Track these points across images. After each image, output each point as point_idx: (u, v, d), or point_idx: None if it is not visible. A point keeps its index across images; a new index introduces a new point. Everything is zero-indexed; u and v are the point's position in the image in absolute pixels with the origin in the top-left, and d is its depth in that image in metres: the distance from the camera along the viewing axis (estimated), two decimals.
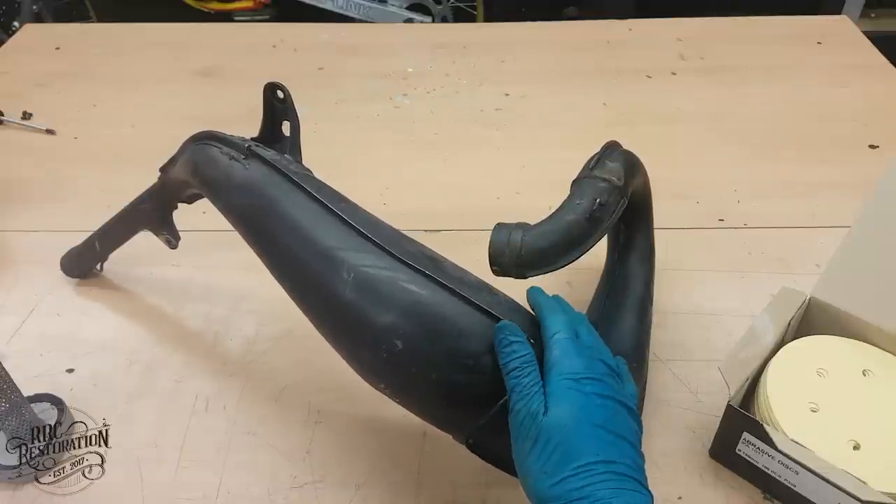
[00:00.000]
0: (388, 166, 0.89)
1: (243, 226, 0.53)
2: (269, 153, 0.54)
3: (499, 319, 0.44)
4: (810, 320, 0.60)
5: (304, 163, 0.58)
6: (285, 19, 1.98)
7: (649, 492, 0.38)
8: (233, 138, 0.56)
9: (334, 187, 0.54)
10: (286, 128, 0.59)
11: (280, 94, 0.57)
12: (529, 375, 0.41)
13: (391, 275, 0.46)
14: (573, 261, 0.51)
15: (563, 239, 0.50)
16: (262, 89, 0.58)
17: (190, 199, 0.64)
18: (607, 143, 0.59)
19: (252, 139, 0.58)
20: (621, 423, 0.40)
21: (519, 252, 0.49)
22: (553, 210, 0.52)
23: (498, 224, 0.51)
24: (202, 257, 0.75)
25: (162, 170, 0.63)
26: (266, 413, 0.61)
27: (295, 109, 0.58)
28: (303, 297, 0.50)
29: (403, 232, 0.50)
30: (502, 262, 0.50)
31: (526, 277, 0.50)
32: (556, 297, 0.48)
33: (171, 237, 0.66)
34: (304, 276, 0.49)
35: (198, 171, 0.57)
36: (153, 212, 0.65)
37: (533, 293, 0.48)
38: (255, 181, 0.53)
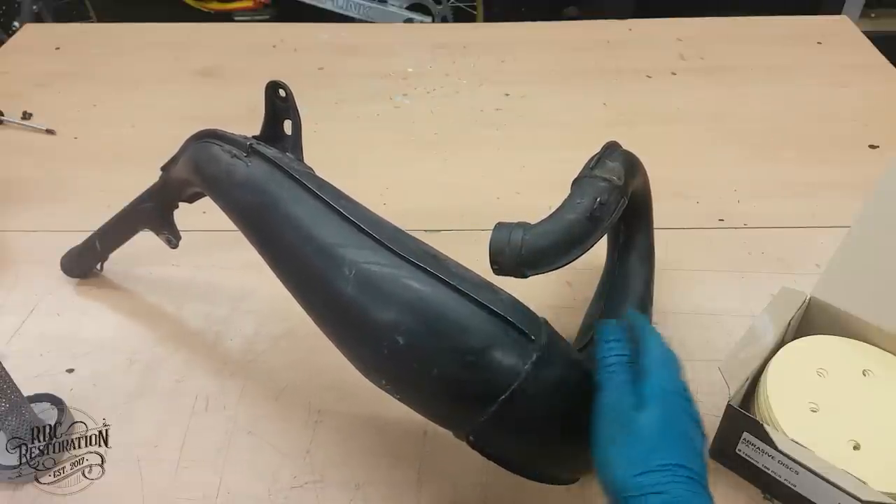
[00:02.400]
0: (388, 166, 0.89)
1: (245, 223, 0.54)
2: (270, 151, 0.55)
3: (500, 316, 0.44)
4: (810, 320, 0.60)
5: (304, 162, 0.58)
6: (285, 19, 1.98)
7: (712, 499, 0.40)
8: (234, 136, 0.56)
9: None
10: (287, 126, 0.59)
11: (282, 92, 0.58)
12: (625, 373, 0.44)
13: (393, 271, 0.46)
14: (574, 260, 0.51)
15: (564, 238, 0.49)
16: (261, 89, 0.59)
17: (191, 199, 0.64)
18: (607, 143, 0.59)
19: (254, 137, 0.58)
20: (698, 438, 0.42)
21: (519, 251, 0.49)
22: (553, 210, 0.52)
23: (498, 223, 0.51)
24: (202, 257, 0.75)
25: (163, 169, 0.63)
26: (266, 413, 0.61)
27: (297, 108, 0.58)
28: (304, 294, 0.50)
29: None
30: (503, 260, 0.50)
31: (526, 276, 0.50)
32: None
33: (172, 236, 0.66)
34: (306, 272, 0.49)
35: (199, 168, 0.57)
36: (154, 211, 0.65)
37: (634, 317, 0.50)
38: (256, 178, 0.53)
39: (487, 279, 0.48)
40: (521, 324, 0.44)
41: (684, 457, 0.40)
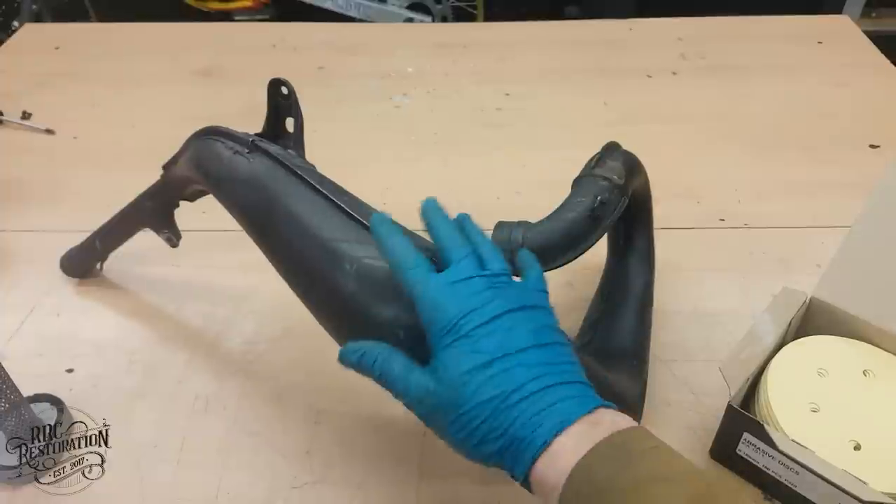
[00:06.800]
0: (388, 166, 0.89)
1: (246, 219, 0.54)
2: (273, 147, 0.55)
3: None
4: (810, 320, 0.60)
5: (306, 159, 0.58)
6: (285, 19, 1.98)
7: (573, 372, 0.36)
8: (236, 133, 0.56)
9: None
10: (290, 124, 0.59)
11: (284, 90, 0.57)
12: (394, 367, 0.39)
13: None
14: (574, 259, 0.51)
15: (564, 237, 0.50)
16: (261, 89, 0.58)
17: (192, 197, 0.64)
18: (607, 143, 0.59)
19: (256, 135, 0.58)
20: (515, 338, 0.37)
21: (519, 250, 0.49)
22: (554, 209, 0.52)
23: (499, 222, 0.51)
24: (202, 257, 0.75)
25: (165, 167, 0.63)
26: (266, 413, 0.61)
27: (299, 106, 0.58)
28: (305, 289, 0.50)
29: None
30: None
31: None
32: (426, 209, 0.45)
33: (173, 235, 0.66)
34: (307, 268, 0.49)
35: (201, 165, 0.57)
36: (155, 210, 0.65)
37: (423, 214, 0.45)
38: (258, 175, 0.53)
39: None
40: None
41: (494, 383, 0.35)
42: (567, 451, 0.33)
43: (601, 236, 0.52)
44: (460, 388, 0.35)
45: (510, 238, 0.49)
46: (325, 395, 0.62)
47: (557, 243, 0.49)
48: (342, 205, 0.49)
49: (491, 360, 0.36)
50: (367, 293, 0.45)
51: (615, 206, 0.52)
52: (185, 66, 1.10)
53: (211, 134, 0.57)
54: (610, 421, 0.34)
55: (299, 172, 0.52)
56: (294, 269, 0.51)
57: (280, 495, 0.55)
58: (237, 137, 0.56)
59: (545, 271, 0.50)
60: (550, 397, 0.35)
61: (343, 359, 0.42)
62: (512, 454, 0.34)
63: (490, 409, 0.34)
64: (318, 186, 0.51)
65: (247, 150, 0.54)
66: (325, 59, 1.11)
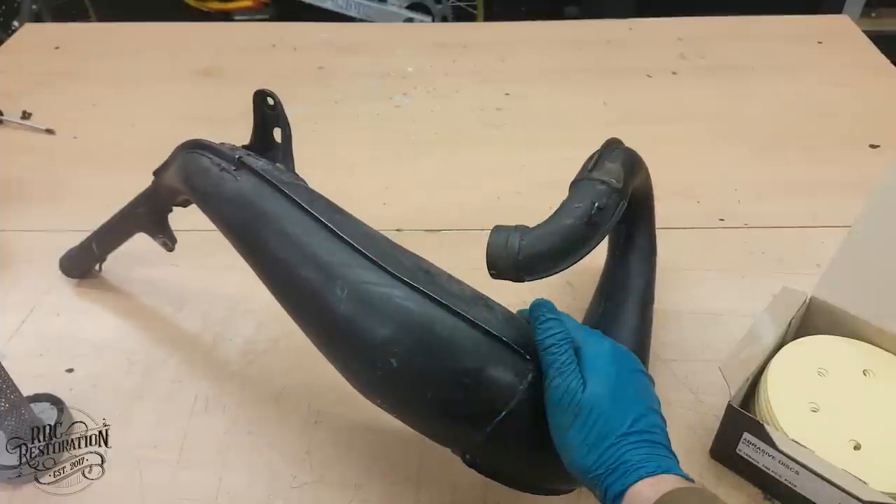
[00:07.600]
0: (388, 166, 0.89)
1: (235, 238, 0.53)
2: (259, 163, 0.54)
3: (494, 336, 0.44)
4: (810, 320, 0.60)
5: (302, 163, 0.58)
6: (285, 19, 1.98)
7: (674, 454, 0.41)
8: (223, 148, 0.55)
9: (334, 188, 0.53)
10: (278, 135, 0.58)
11: (270, 101, 0.56)
12: (566, 353, 0.43)
13: (386, 291, 0.45)
14: (572, 265, 0.50)
15: (562, 243, 0.48)
16: (261, 88, 0.58)
17: (184, 204, 0.63)
18: (608, 140, 0.58)
19: (243, 147, 0.57)
20: (649, 394, 0.44)
21: (516, 256, 0.48)
22: (553, 211, 0.51)
23: (496, 227, 0.50)
24: (201, 257, 0.75)
25: (155, 173, 0.62)
26: (266, 413, 0.61)
27: (286, 116, 0.56)
28: (297, 311, 0.50)
29: (404, 232, 0.49)
30: (500, 265, 0.49)
31: (524, 281, 0.49)
32: None
33: (168, 240, 0.66)
34: (298, 290, 0.48)
35: (188, 179, 0.56)
36: (148, 216, 0.65)
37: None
38: (245, 194, 0.52)
39: (482, 292, 0.48)
40: (515, 343, 0.44)
41: (637, 422, 0.41)
42: (667, 482, 0.39)
43: (600, 242, 0.50)
44: (603, 410, 0.41)
45: (507, 243, 0.48)
46: (325, 395, 0.62)
47: (554, 250, 0.48)
48: (332, 225, 0.48)
49: (633, 402, 0.42)
50: (360, 318, 0.44)
51: (613, 211, 0.51)
52: (185, 66, 1.10)
53: (198, 148, 0.57)
54: (700, 487, 0.40)
55: (286, 191, 0.51)
56: (284, 290, 0.50)
57: (279, 495, 0.55)
58: (223, 154, 0.55)
59: (543, 277, 0.49)
60: (661, 451, 0.41)
61: (535, 309, 0.45)
62: (620, 471, 0.39)
63: (619, 436, 0.40)
64: (306, 206, 0.49)
65: (233, 168, 0.53)
66: (325, 58, 1.11)
